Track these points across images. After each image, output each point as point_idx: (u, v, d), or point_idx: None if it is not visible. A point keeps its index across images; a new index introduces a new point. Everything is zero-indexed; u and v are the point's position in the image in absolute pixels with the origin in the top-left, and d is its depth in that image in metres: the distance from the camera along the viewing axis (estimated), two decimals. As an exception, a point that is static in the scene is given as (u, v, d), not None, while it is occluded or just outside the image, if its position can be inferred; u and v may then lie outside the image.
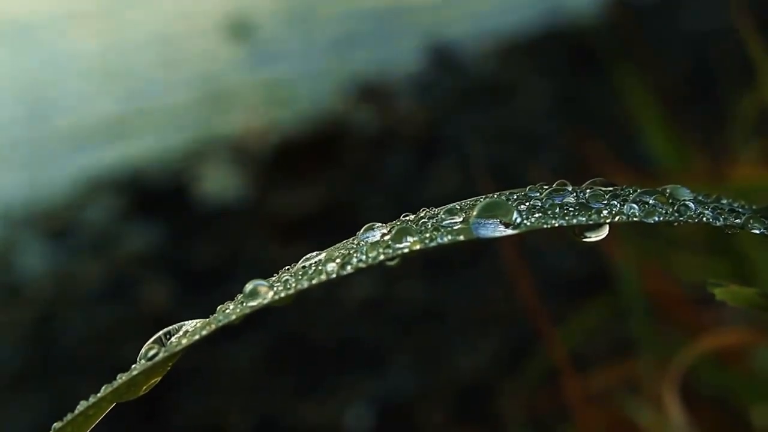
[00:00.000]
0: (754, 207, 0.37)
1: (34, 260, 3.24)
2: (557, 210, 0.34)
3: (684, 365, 0.90)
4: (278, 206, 3.33)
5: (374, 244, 0.33)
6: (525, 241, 2.66)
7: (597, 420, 1.26)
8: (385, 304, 2.69)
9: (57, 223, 3.44)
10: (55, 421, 0.34)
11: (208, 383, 2.45)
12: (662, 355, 1.14)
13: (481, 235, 0.32)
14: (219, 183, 3.64)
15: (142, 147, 3.98)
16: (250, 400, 2.37)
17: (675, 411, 0.87)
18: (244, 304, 0.33)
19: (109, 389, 0.33)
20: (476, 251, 2.78)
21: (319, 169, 3.59)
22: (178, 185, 3.63)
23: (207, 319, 0.34)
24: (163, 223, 3.34)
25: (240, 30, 5.09)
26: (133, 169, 3.76)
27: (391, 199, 3.29)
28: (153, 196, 3.56)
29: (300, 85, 4.55)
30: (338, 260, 0.33)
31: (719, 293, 0.41)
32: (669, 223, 0.34)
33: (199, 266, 3.02)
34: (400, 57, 4.70)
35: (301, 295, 0.33)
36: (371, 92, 4.27)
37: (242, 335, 2.58)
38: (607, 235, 0.35)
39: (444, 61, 4.62)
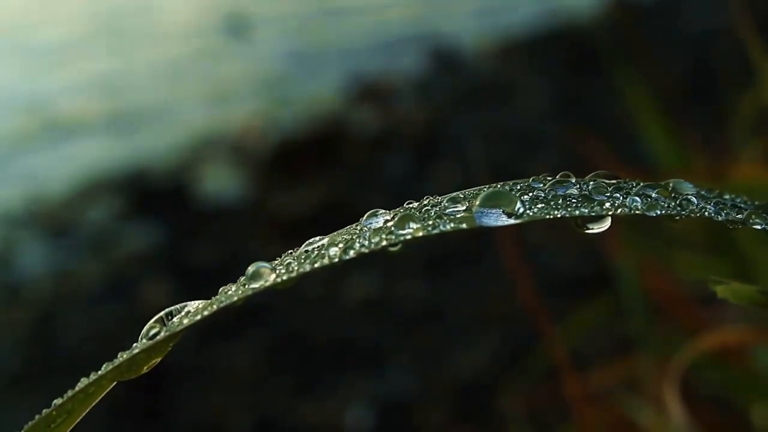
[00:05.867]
0: (756, 203, 0.37)
1: (34, 260, 3.24)
2: (560, 201, 0.34)
3: (684, 364, 0.89)
4: (278, 206, 3.33)
5: (377, 230, 0.33)
6: (525, 239, 2.66)
7: (597, 419, 1.26)
8: (385, 303, 2.69)
9: (57, 223, 3.44)
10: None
11: (208, 382, 2.45)
12: (662, 354, 1.14)
13: (483, 224, 0.32)
14: (219, 183, 3.64)
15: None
16: (250, 400, 2.37)
17: (675, 410, 0.87)
18: (246, 286, 0.33)
19: (110, 367, 0.33)
20: (477, 250, 2.78)
21: (318, 169, 3.59)
22: (178, 185, 3.62)
23: (209, 300, 0.34)
24: (163, 223, 3.34)
25: (238, 27, 5.09)
26: (133, 169, 3.76)
27: (391, 199, 3.29)
28: (153, 196, 3.56)
29: (299, 84, 4.55)
30: (341, 245, 0.33)
31: (720, 291, 0.41)
32: (671, 217, 0.34)
33: (199, 266, 3.02)
34: (399, 56, 4.70)
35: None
36: (371, 92, 4.27)
37: (243, 334, 2.58)
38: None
39: (444, 60, 4.62)
